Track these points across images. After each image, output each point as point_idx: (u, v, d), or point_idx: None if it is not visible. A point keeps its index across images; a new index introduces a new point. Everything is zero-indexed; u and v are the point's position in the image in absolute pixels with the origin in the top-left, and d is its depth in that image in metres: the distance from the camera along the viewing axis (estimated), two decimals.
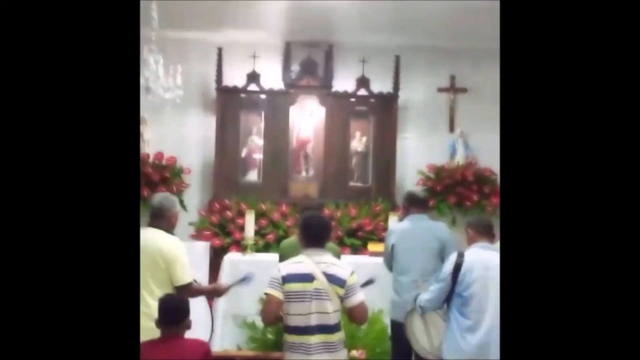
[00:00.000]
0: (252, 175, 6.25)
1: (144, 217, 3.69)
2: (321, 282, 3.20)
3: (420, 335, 3.86)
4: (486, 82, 5.99)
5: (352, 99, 6.30)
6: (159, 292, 3.35)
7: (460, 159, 6.17)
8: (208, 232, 5.86)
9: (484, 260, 3.56)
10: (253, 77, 6.10)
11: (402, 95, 6.27)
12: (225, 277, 5.23)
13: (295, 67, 6.21)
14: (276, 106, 6.19)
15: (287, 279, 3.20)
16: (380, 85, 6.26)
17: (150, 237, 3.53)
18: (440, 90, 6.45)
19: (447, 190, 6.13)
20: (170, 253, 3.51)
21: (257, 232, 5.71)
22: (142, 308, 3.14)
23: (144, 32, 4.09)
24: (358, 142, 6.29)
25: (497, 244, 3.79)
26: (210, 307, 5.02)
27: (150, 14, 4.46)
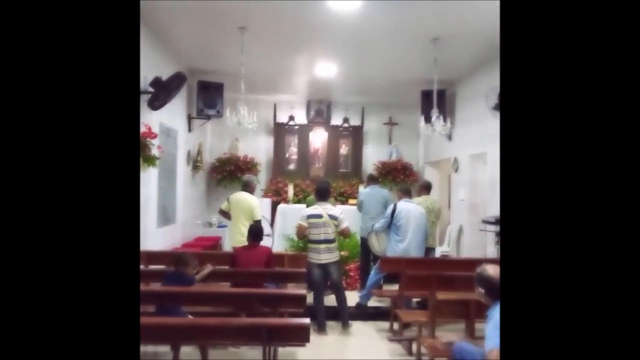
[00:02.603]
0: (292, 166, 9.11)
1: (236, 187, 6.06)
2: (326, 218, 4.61)
3: (374, 244, 5.29)
4: (407, 119, 8.87)
5: (341, 129, 9.14)
6: (247, 223, 4.73)
7: (394, 157, 9.10)
8: (270, 194, 8.50)
9: (407, 207, 4.99)
10: (291, 117, 9.05)
11: (365, 127, 9.20)
12: (277, 216, 7.37)
13: (312, 113, 9.16)
14: (303, 132, 9.10)
15: (309, 216, 4.65)
16: (354, 121, 9.16)
17: (243, 196, 5.07)
18: (384, 124, 9.36)
19: (387, 173, 8.82)
20: (252, 203, 4.99)
21: (294, 194, 8.33)
22: (240, 231, 4.78)
23: (237, 95, 6.10)
24: (343, 150, 9.21)
25: (413, 200, 5.32)
26: (272, 229, 6.78)
27: (240, 85, 5.98)
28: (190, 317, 3.43)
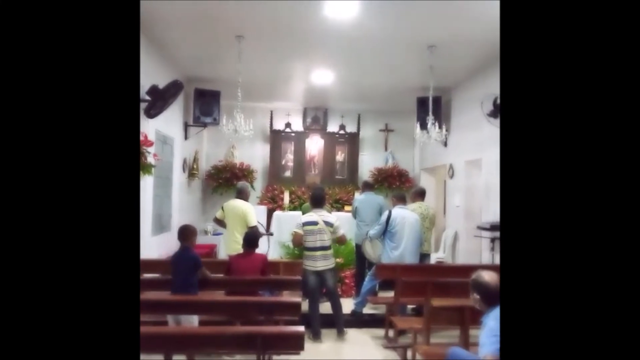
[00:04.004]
0: (287, 173, 9.14)
1: (232, 194, 5.51)
2: (321, 225, 4.68)
3: (369, 250, 5.31)
4: (403, 126, 8.92)
5: (337, 135, 9.17)
6: (242, 231, 4.73)
7: (390, 164, 9.12)
8: (265, 201, 8.54)
9: (401, 214, 5.03)
10: (288, 125, 9.07)
11: (362, 133, 9.24)
12: (273, 223, 7.53)
13: (308, 120, 9.17)
14: (299, 139, 9.13)
15: (305, 223, 4.70)
16: (351, 128, 9.19)
17: (237, 204, 5.09)
18: (380, 130, 9.39)
19: (383, 180, 8.86)
20: (246, 211, 5.01)
21: (290, 201, 8.44)
22: (235, 239, 4.77)
23: (234, 103, 6.12)
24: (339, 157, 9.24)
25: (408, 206, 5.35)
26: (267, 237, 6.48)
27: (237, 93, 5.97)
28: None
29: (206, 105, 7.40)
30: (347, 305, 5.19)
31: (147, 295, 3.78)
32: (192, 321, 3.53)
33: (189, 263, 3.70)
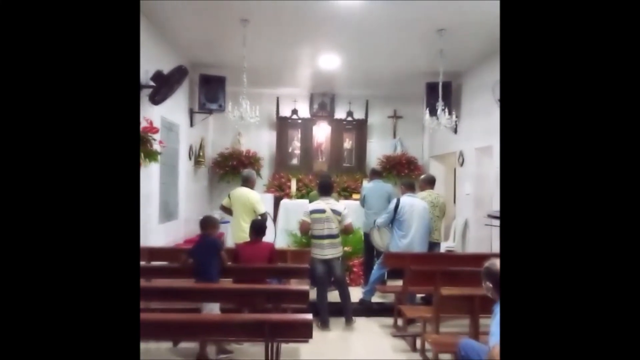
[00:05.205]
0: (295, 161, 9.15)
1: (239, 182, 5.38)
2: (329, 213, 4.70)
3: (377, 239, 5.34)
4: (412, 112, 8.85)
5: (344, 122, 9.12)
6: (248, 219, 4.72)
7: (398, 151, 9.02)
8: (272, 189, 8.54)
9: (410, 202, 5.04)
10: (294, 111, 9.04)
11: (370, 120, 9.16)
12: (280, 211, 7.48)
13: (315, 106, 9.14)
14: (306, 126, 9.09)
15: (312, 211, 4.72)
16: (358, 114, 9.11)
17: (243, 191, 5.09)
18: (388, 117, 9.32)
19: (391, 167, 8.79)
20: (253, 199, 5.00)
21: (297, 189, 8.36)
22: (241, 228, 4.77)
23: (239, 89, 6.08)
24: (347, 144, 9.19)
25: (417, 194, 5.31)
26: (274, 225, 6.56)
27: (243, 78, 5.98)
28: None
29: (211, 91, 7.45)
30: (356, 293, 5.22)
31: (157, 282, 3.85)
32: (214, 308, 3.65)
33: (212, 249, 3.81)
